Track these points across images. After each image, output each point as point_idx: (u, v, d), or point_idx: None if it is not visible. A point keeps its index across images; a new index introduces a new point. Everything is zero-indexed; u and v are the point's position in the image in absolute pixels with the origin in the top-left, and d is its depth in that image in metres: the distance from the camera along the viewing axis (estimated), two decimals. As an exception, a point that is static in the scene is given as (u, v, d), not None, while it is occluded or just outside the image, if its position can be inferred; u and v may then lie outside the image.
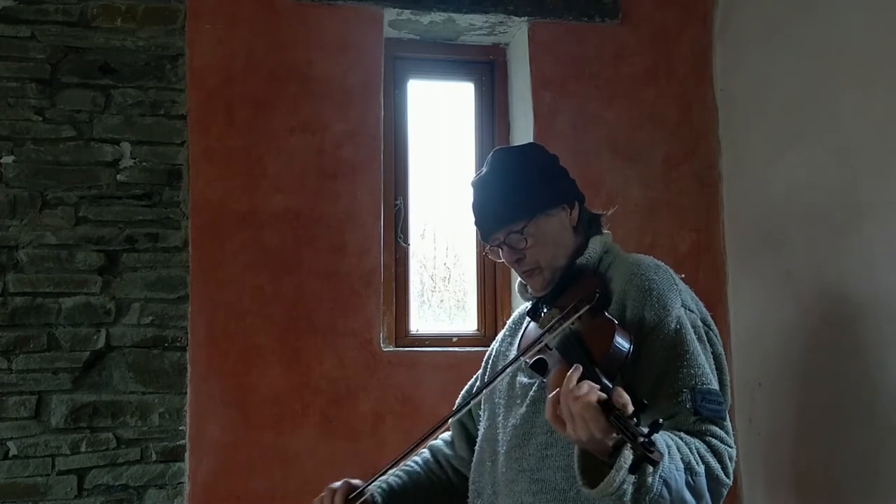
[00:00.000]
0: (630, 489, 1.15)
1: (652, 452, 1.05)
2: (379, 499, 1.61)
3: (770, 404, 2.39)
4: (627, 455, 1.09)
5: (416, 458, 1.76)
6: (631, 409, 1.12)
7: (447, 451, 1.77)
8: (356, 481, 1.57)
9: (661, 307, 1.41)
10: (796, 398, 2.27)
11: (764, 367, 2.42)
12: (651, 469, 1.15)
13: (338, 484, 1.56)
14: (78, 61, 2.35)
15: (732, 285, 2.61)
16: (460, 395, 1.80)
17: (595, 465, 1.18)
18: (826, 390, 2.14)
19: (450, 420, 1.77)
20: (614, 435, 1.11)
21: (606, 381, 1.21)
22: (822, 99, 2.18)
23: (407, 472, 1.71)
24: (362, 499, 1.54)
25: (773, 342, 2.37)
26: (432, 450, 1.79)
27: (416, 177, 2.71)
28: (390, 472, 1.66)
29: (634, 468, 1.07)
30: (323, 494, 1.56)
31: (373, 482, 1.56)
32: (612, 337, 1.30)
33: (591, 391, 1.15)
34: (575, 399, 1.15)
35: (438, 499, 1.70)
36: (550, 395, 1.21)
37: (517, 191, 1.55)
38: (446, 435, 1.81)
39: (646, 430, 1.08)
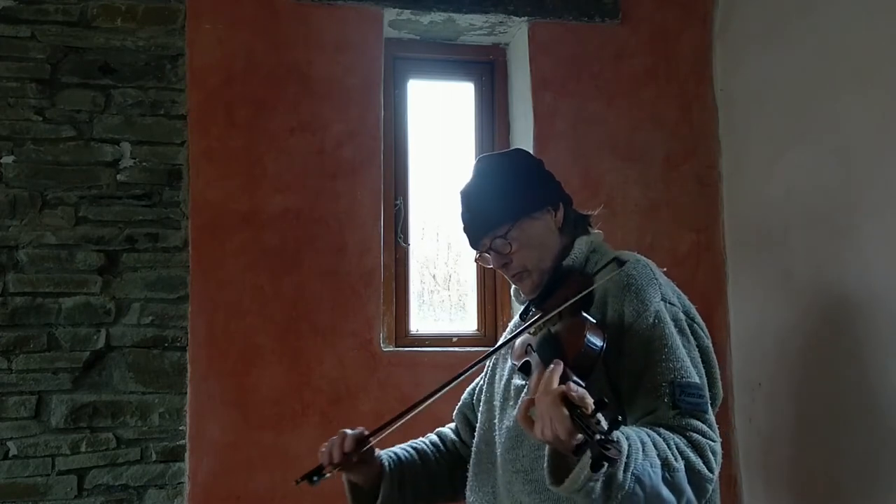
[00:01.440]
0: (598, 486, 1.15)
1: (608, 450, 1.05)
2: (387, 465, 1.62)
3: (770, 404, 2.39)
4: (588, 453, 1.10)
5: (425, 439, 1.78)
6: (591, 405, 1.12)
7: (454, 436, 1.79)
8: (360, 429, 1.57)
9: (639, 302, 1.42)
10: (796, 398, 2.27)
11: (764, 367, 2.42)
12: (623, 466, 1.16)
13: (350, 431, 1.56)
14: (78, 61, 2.35)
15: (732, 285, 2.61)
16: (465, 392, 1.81)
17: (565, 465, 1.18)
18: (826, 390, 2.14)
19: (454, 413, 1.81)
20: (579, 435, 1.11)
21: (576, 379, 1.22)
22: (822, 99, 2.18)
23: (415, 448, 1.72)
24: (367, 449, 1.56)
25: (773, 342, 2.37)
26: (440, 434, 1.80)
27: (416, 177, 2.71)
28: (400, 445, 1.70)
29: (595, 466, 1.07)
30: (334, 438, 1.56)
31: (379, 433, 1.56)
32: (584, 336, 1.31)
33: (556, 389, 1.15)
34: (544, 397, 1.16)
35: (441, 479, 1.71)
36: (524, 398, 1.21)
37: (500, 196, 1.56)
38: (451, 425, 1.82)
39: (605, 427, 1.08)
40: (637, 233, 2.58)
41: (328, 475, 1.56)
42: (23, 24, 2.33)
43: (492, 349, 1.54)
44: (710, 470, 1.32)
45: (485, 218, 1.56)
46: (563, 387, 1.16)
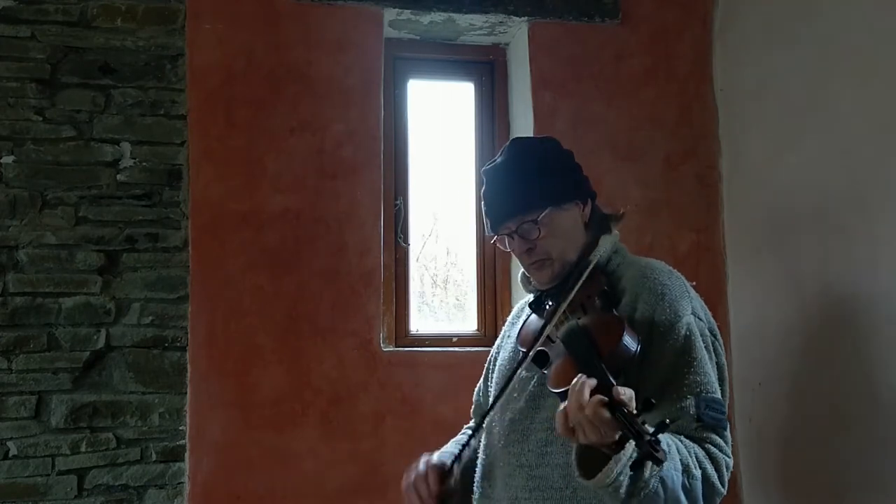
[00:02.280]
0: (626, 482, 1.16)
1: (657, 451, 1.06)
2: (456, 468, 1.57)
3: (770, 404, 2.39)
4: (629, 449, 1.10)
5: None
6: (635, 406, 1.12)
7: None
8: (435, 460, 1.53)
9: (672, 312, 1.42)
10: (796, 398, 2.27)
11: (764, 367, 2.42)
12: (649, 465, 1.16)
13: (422, 467, 1.51)
14: (78, 61, 2.35)
15: (732, 285, 2.61)
16: (474, 394, 1.81)
17: (593, 457, 1.19)
18: (826, 390, 2.14)
19: (472, 412, 1.80)
20: (619, 431, 1.11)
21: (612, 379, 1.21)
22: (822, 98, 2.18)
23: (469, 452, 1.68)
24: (451, 477, 1.52)
25: (773, 342, 2.37)
26: None
27: (416, 177, 2.71)
28: (457, 441, 1.66)
29: (637, 465, 1.07)
30: (414, 483, 1.50)
31: (458, 461, 1.53)
32: (622, 335, 1.30)
33: (595, 397, 1.14)
34: (581, 406, 1.14)
35: None
36: (559, 411, 1.20)
37: (534, 181, 1.54)
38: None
39: (652, 429, 1.08)
40: (637, 233, 2.58)
41: None
42: (23, 24, 2.33)
43: (525, 351, 1.49)
44: (723, 485, 1.34)
45: (515, 201, 1.53)
46: (599, 396, 1.14)
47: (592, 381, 1.18)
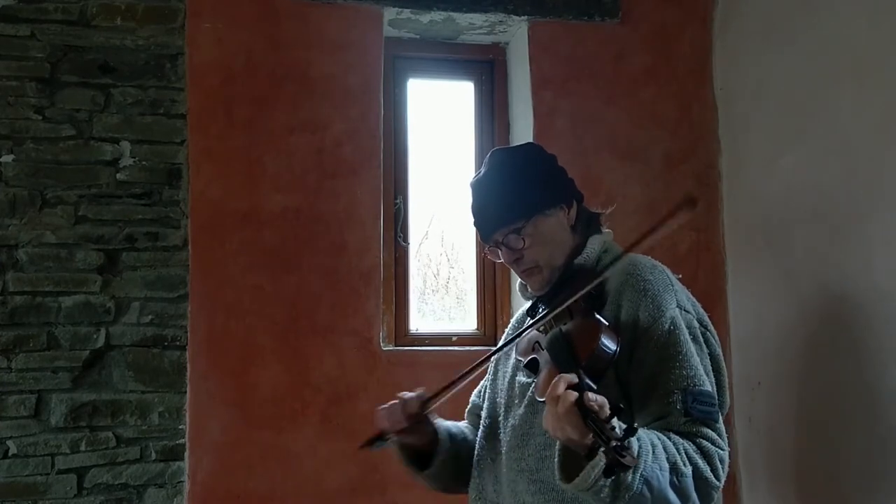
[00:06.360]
0: (607, 486, 1.16)
1: (624, 457, 1.05)
2: (445, 434, 1.61)
3: (769, 404, 2.39)
4: (601, 457, 1.10)
5: (466, 423, 1.76)
6: (607, 411, 1.12)
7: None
8: (425, 394, 1.56)
9: (655, 308, 1.41)
10: (796, 398, 2.27)
11: (763, 366, 2.42)
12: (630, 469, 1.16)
13: (409, 395, 1.55)
14: (78, 60, 2.35)
15: (732, 285, 2.61)
16: (472, 394, 1.80)
17: (576, 461, 1.19)
18: (825, 389, 2.14)
19: (465, 414, 1.79)
20: (591, 436, 1.11)
21: (589, 383, 1.21)
22: (822, 97, 2.18)
23: (462, 428, 1.71)
24: (427, 413, 1.55)
25: (773, 342, 2.37)
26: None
27: (416, 176, 2.71)
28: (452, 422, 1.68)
29: (609, 472, 1.08)
30: (393, 403, 1.55)
31: (438, 397, 1.55)
32: (598, 338, 1.31)
33: (569, 394, 1.15)
34: (554, 402, 1.15)
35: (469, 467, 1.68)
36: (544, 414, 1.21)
37: (514, 191, 1.56)
38: (464, 423, 1.80)
39: (620, 434, 1.08)
40: (637, 232, 2.57)
41: (390, 441, 1.56)
42: (22, 22, 2.32)
43: (502, 343, 1.54)
44: (717, 478, 1.33)
45: (499, 212, 1.56)
46: (576, 393, 1.15)
47: (571, 378, 1.18)
